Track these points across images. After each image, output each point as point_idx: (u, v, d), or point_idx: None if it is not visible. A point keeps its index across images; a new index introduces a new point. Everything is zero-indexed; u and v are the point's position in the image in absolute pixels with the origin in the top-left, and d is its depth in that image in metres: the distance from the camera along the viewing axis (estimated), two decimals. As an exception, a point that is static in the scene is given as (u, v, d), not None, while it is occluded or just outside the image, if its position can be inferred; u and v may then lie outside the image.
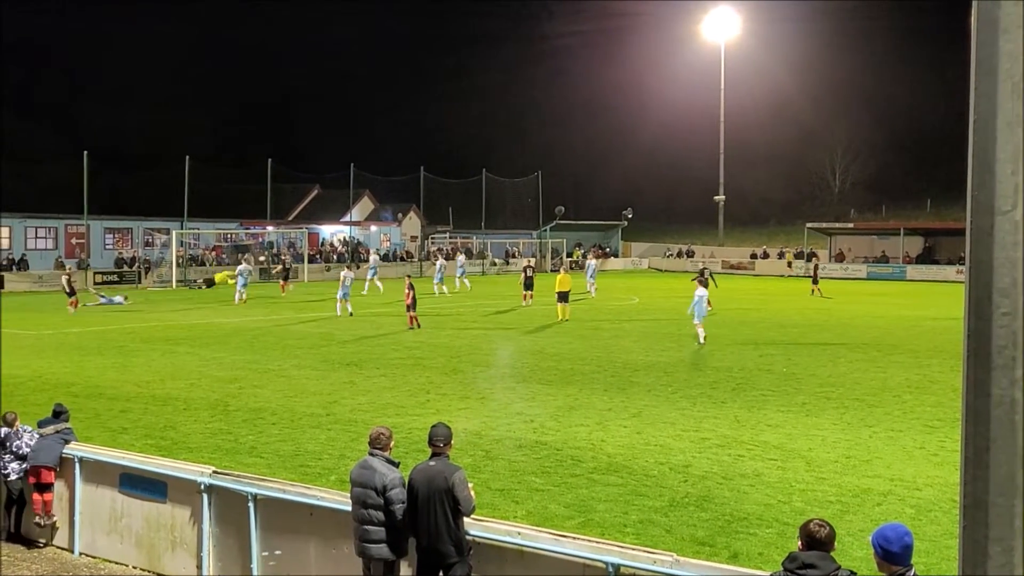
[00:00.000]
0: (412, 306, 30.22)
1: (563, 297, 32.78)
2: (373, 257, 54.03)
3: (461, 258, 53.03)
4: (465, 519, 7.76)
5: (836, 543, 9.92)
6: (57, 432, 10.99)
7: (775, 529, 10.43)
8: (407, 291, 30.26)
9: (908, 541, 5.72)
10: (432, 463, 7.75)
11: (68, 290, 36.47)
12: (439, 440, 7.83)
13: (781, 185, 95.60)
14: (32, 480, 10.87)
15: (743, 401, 17.88)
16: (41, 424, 11.09)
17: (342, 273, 35.76)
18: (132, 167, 68.61)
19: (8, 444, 11.01)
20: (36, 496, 10.88)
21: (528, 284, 39.52)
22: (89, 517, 10.66)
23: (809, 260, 66.01)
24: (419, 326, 29.84)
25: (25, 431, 11.13)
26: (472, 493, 7.78)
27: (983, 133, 3.21)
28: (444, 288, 45.34)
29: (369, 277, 47.53)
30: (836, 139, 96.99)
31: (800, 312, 37.48)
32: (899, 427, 15.63)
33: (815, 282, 48.08)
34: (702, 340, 26.12)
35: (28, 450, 10.92)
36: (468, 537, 7.91)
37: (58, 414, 11.22)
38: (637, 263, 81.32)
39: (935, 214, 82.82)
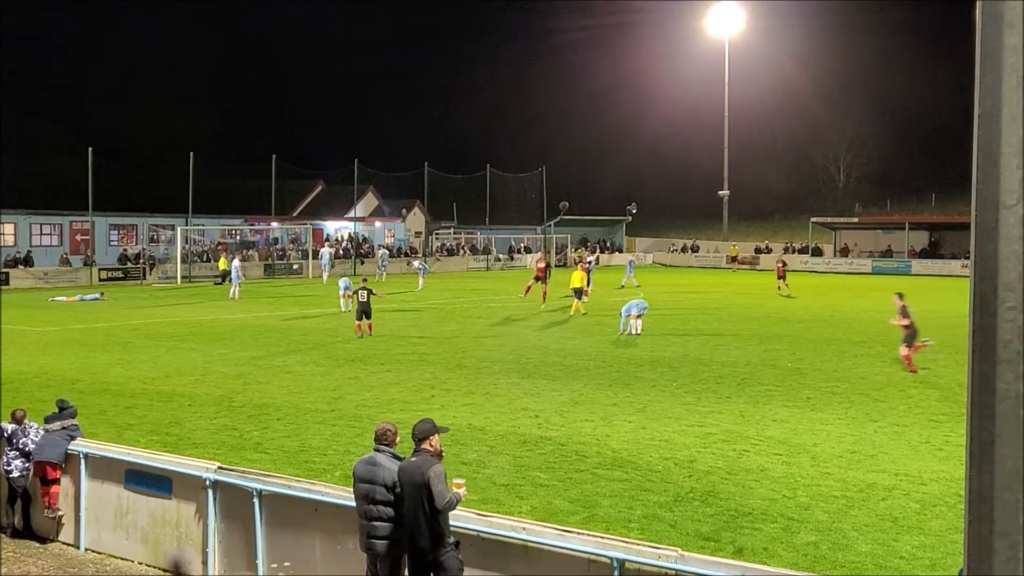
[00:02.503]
0: (367, 313, 26.94)
1: (578, 293, 33.35)
2: (418, 262, 55.04)
3: (383, 252, 58.19)
4: (454, 513, 7.72)
5: (842, 538, 9.95)
6: (64, 428, 11.00)
7: (780, 524, 10.43)
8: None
9: None
10: (414, 459, 7.74)
11: None
12: (417, 435, 7.83)
13: (786, 179, 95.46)
14: (36, 475, 10.89)
15: (748, 396, 17.88)
16: (47, 420, 11.10)
17: (340, 281, 35.97)
18: (137, 163, 68.57)
19: (15, 441, 11.02)
20: (42, 490, 10.91)
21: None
22: (95, 513, 10.69)
23: (789, 253, 65.83)
24: (370, 333, 26.80)
25: (31, 428, 11.15)
26: (462, 490, 7.75)
27: (988, 127, 3.21)
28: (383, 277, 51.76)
29: (422, 275, 49.51)
30: (841, 133, 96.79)
31: (805, 307, 37.43)
32: (904, 422, 15.62)
33: (781, 277, 45.40)
34: (638, 331, 27.03)
35: (34, 447, 10.93)
36: (473, 532, 7.91)
37: (63, 409, 11.22)
38: (641, 258, 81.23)
39: (940, 208, 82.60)
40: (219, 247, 60.10)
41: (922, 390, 18.58)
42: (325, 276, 52.01)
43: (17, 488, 11.06)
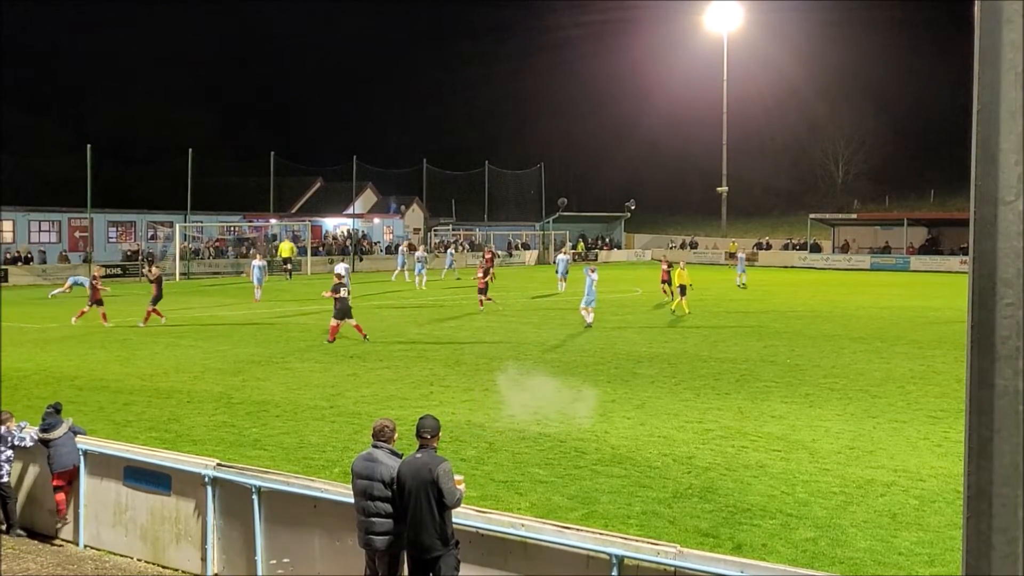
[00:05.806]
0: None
1: (683, 290, 33.04)
2: (420, 252, 50.26)
3: (342, 265, 50.81)
4: (454, 511, 7.73)
5: (841, 534, 9.96)
6: (70, 430, 10.94)
7: (779, 520, 10.43)
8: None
9: None
10: (419, 455, 7.72)
11: None
12: (426, 432, 7.79)
13: (784, 176, 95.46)
14: (59, 483, 10.77)
15: (747, 392, 17.88)
16: (46, 427, 10.90)
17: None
18: (135, 160, 68.57)
19: (9, 440, 10.98)
20: (60, 496, 10.79)
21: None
22: (94, 510, 10.68)
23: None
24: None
25: (21, 427, 11.08)
26: (461, 486, 7.74)
27: (986, 123, 3.20)
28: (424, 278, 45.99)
29: (418, 271, 46.25)
30: (839, 129, 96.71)
31: (804, 303, 37.46)
32: (903, 418, 15.63)
33: (665, 281, 37.11)
34: (589, 322, 28.11)
35: (31, 444, 10.90)
36: (472, 528, 7.91)
37: (57, 411, 11.12)
38: (640, 255, 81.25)
39: (939, 204, 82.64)
40: (217, 244, 59.95)
41: (921, 386, 18.59)
42: (421, 281, 45.82)
43: (6, 491, 10.96)
